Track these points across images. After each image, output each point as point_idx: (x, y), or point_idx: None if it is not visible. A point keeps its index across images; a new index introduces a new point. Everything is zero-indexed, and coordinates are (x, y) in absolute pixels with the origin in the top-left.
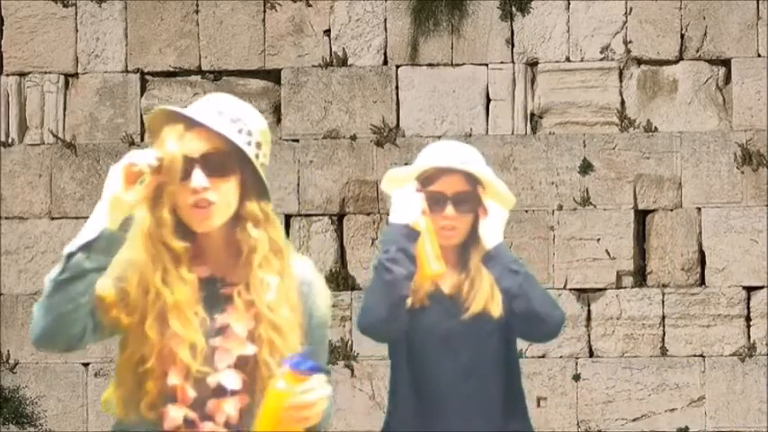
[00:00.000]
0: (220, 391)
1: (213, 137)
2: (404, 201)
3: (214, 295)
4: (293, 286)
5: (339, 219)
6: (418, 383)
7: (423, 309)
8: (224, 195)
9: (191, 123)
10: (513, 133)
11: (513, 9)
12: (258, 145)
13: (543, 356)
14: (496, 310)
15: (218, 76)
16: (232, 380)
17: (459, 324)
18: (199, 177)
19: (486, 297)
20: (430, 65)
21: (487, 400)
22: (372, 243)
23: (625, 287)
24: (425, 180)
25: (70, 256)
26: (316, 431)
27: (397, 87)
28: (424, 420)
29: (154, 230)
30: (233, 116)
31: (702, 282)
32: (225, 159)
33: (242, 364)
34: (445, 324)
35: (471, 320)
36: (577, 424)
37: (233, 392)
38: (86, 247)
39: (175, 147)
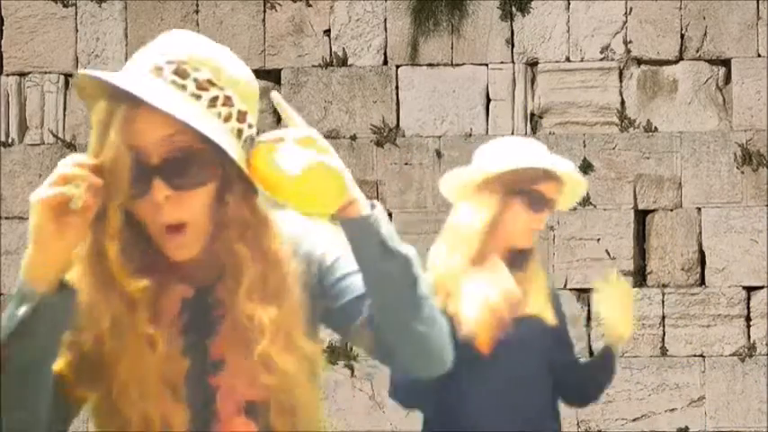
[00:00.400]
0: None
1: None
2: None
3: (203, 316)
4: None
5: None
6: (461, 398)
7: None
8: (200, 209)
9: (135, 100)
10: (513, 133)
11: (513, 9)
12: (242, 115)
13: None
14: (550, 315)
15: None
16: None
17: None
18: (160, 190)
19: (542, 301)
20: (430, 65)
21: (533, 410)
22: None
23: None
24: (526, 180)
25: (4, 347)
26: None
27: (397, 87)
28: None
29: (96, 267)
30: (200, 80)
31: (702, 282)
32: (194, 157)
33: (251, 408)
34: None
35: (524, 324)
36: (577, 424)
37: None
38: (23, 331)
39: (119, 146)
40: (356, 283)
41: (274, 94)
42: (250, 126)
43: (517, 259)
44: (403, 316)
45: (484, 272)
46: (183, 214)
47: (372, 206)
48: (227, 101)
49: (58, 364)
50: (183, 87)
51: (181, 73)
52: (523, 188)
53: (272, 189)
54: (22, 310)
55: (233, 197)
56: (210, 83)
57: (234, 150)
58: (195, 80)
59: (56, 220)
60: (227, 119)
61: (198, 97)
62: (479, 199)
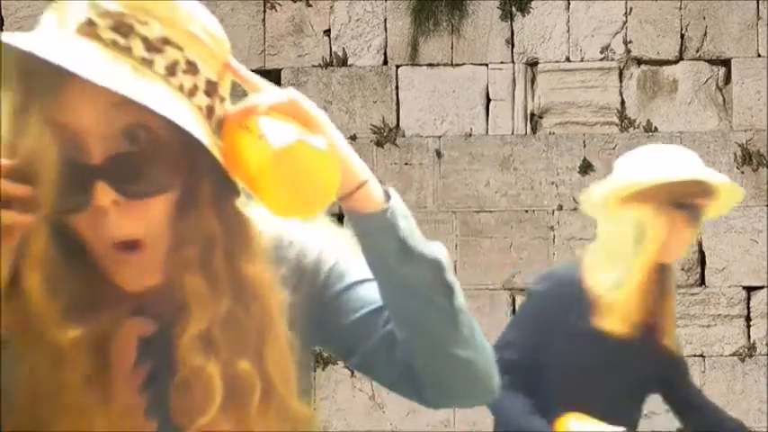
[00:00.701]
0: None
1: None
2: None
3: (168, 359)
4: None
5: (339, 219)
6: None
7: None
8: (159, 221)
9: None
10: (513, 133)
11: (513, 9)
12: (211, 86)
13: None
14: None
15: None
16: None
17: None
18: (106, 195)
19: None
20: (430, 65)
21: None
22: None
23: None
24: (685, 193)
25: None
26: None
27: (397, 87)
28: None
29: (12, 305)
30: (150, 38)
31: (702, 282)
32: (151, 153)
33: None
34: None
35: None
36: None
37: None
38: None
39: (42, 137)
40: (370, 294)
41: (233, 62)
42: (222, 100)
43: (660, 272)
44: (436, 337)
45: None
46: (138, 228)
47: (387, 195)
48: (191, 67)
49: None
50: (128, 50)
51: (123, 29)
52: (684, 202)
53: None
54: None
55: (200, 204)
56: (166, 41)
57: (205, 137)
58: (144, 39)
59: None
60: (192, 93)
61: (150, 63)
62: (638, 212)
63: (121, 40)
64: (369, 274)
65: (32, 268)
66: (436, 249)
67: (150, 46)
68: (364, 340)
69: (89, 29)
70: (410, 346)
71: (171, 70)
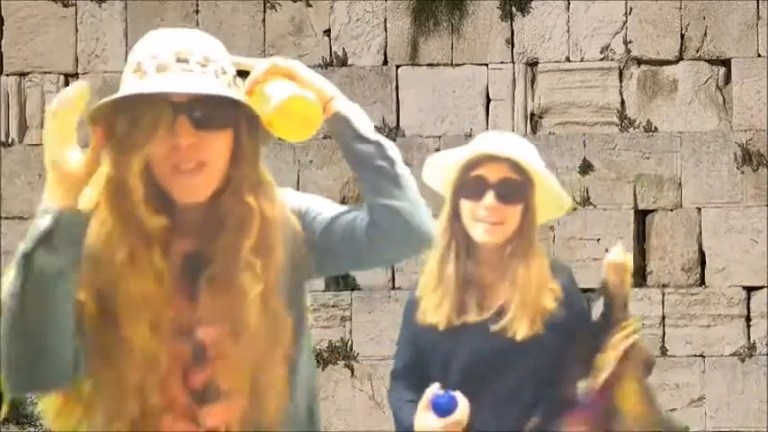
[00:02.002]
0: (212, 396)
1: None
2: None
3: (196, 274)
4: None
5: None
6: None
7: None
8: (217, 154)
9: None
10: (513, 133)
11: (513, 9)
12: (233, 78)
13: None
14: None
15: None
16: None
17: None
18: (185, 129)
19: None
20: (430, 65)
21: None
22: None
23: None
24: (467, 167)
25: (28, 256)
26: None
27: (397, 87)
28: None
29: (118, 200)
30: (200, 59)
31: (702, 282)
32: (216, 106)
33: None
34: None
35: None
36: None
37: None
38: (46, 240)
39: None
40: (336, 214)
41: (231, 58)
42: (236, 83)
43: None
44: (385, 191)
45: None
46: (205, 154)
47: (347, 105)
48: (224, 70)
49: (79, 294)
50: (197, 65)
51: (202, 60)
52: (466, 179)
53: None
54: (44, 220)
55: (246, 149)
56: (208, 59)
57: (244, 98)
58: (204, 60)
59: (63, 136)
60: (229, 84)
61: (217, 74)
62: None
63: (200, 67)
64: (338, 211)
65: (136, 177)
66: (381, 137)
67: (206, 62)
68: (338, 228)
69: (180, 62)
70: (368, 204)
71: (216, 73)
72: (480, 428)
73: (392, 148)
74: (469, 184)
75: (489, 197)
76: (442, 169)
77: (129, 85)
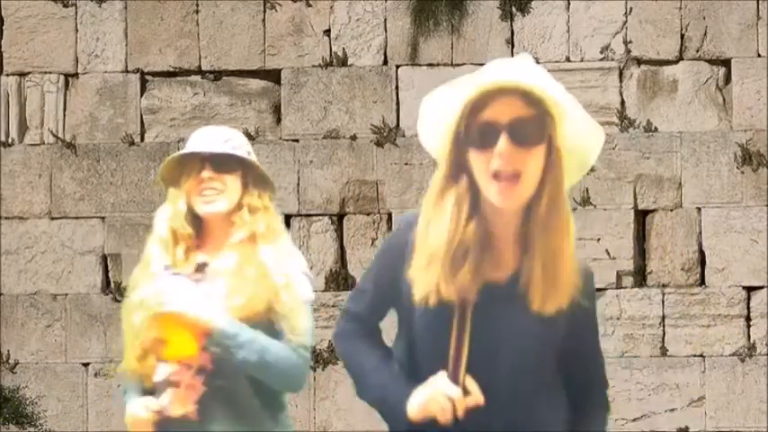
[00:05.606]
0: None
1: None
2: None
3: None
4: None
5: (339, 219)
6: None
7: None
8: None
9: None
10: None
11: (513, 9)
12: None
13: None
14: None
15: (218, 76)
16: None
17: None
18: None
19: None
20: (430, 65)
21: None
22: (372, 243)
23: (625, 287)
24: (471, 110)
25: None
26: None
27: (397, 87)
28: None
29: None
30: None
31: (702, 282)
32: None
33: None
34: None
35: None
36: None
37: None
38: None
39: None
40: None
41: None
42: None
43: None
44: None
45: None
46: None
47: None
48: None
49: None
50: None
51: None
52: (471, 134)
53: None
54: None
55: (249, 189)
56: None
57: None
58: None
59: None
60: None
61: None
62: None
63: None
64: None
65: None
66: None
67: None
68: None
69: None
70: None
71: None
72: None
73: (263, 351)
74: (478, 131)
75: (503, 141)
76: (438, 123)
77: None
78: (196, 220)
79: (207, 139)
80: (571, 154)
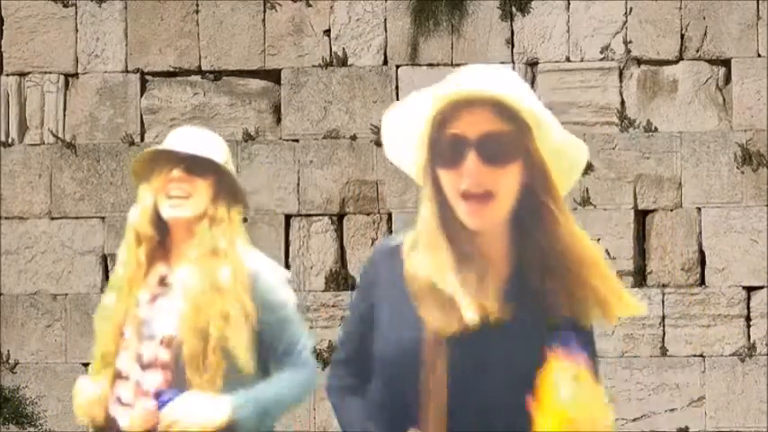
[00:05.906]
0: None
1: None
2: None
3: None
4: (238, 278)
5: (339, 219)
6: None
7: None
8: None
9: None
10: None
11: (513, 9)
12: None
13: None
14: None
15: (218, 76)
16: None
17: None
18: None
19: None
20: (430, 65)
21: None
22: (372, 243)
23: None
24: (440, 123)
25: None
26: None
27: (397, 87)
28: None
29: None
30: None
31: (702, 282)
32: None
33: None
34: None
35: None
36: None
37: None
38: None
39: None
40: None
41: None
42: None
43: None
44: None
45: None
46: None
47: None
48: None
49: None
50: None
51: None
52: (441, 148)
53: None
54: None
55: (218, 199)
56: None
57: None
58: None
59: None
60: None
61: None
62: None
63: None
64: None
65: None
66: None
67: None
68: None
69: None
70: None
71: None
72: None
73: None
74: (445, 147)
75: (472, 158)
76: (408, 137)
77: None
78: (163, 222)
79: (186, 138)
80: (561, 157)
